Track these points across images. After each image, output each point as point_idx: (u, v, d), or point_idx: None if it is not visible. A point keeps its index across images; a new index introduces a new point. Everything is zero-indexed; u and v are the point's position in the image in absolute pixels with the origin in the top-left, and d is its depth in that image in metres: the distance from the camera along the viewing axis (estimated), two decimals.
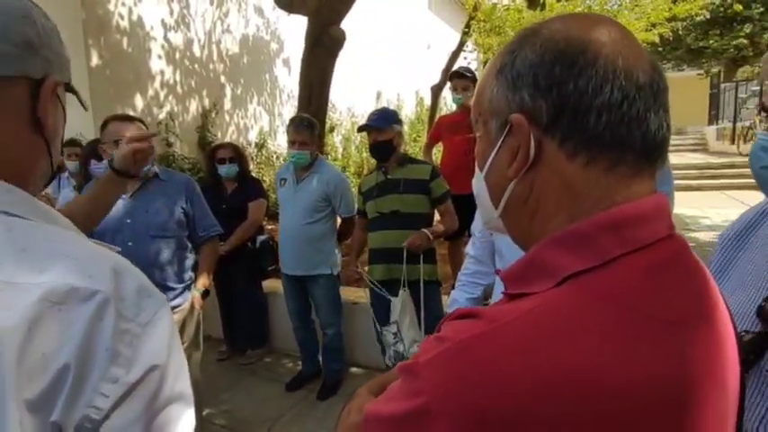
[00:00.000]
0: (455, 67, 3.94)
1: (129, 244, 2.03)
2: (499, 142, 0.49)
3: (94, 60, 4.72)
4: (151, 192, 2.10)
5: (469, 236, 3.39)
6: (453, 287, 1.77)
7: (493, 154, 0.50)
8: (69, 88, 0.63)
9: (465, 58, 8.02)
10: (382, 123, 2.48)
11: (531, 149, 0.45)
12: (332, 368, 3.03)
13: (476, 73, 3.42)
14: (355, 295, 3.39)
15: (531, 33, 0.48)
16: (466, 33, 6.72)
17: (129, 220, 2.04)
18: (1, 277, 0.42)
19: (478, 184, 0.55)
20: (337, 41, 3.70)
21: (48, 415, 0.40)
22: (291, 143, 2.76)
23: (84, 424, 0.41)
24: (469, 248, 1.72)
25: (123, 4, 4.98)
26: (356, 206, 2.88)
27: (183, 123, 5.72)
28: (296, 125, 2.76)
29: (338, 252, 2.97)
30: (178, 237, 2.16)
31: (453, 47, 8.18)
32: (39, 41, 0.53)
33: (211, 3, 6.08)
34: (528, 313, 0.39)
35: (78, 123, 4.80)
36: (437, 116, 5.60)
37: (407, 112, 11.37)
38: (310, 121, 2.83)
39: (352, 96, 8.71)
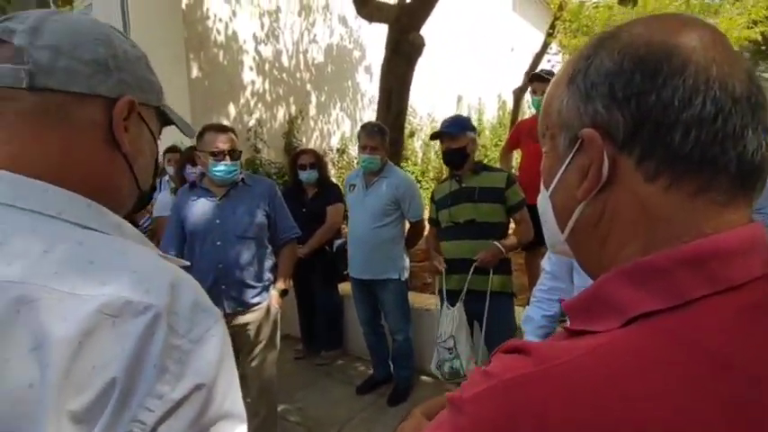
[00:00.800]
0: (537, 70, 3.78)
1: (218, 243, 2.19)
2: (568, 159, 0.44)
3: (194, 73, 5.16)
4: (238, 196, 2.25)
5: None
6: (529, 301, 1.68)
7: (560, 172, 0.45)
8: (162, 114, 0.66)
9: (549, 61, 7.66)
10: (455, 130, 2.43)
11: (605, 168, 0.40)
12: (401, 375, 3.02)
13: None
14: (427, 302, 3.35)
15: (608, 37, 0.43)
16: (550, 35, 6.40)
17: (218, 221, 2.20)
18: (65, 288, 0.43)
19: (544, 204, 0.50)
20: (417, 48, 3.71)
21: (91, 427, 0.40)
22: (363, 148, 2.81)
23: None
24: (545, 263, 1.61)
25: (220, 20, 5.40)
26: (425, 211, 2.86)
27: (271, 130, 6.06)
28: (367, 131, 2.80)
29: (406, 257, 2.96)
30: (260, 238, 2.29)
31: (538, 49, 7.87)
32: (113, 63, 0.55)
33: (299, 15, 6.39)
34: (593, 352, 0.35)
35: (178, 131, 5.27)
36: (518, 120, 5.38)
37: (489, 117, 11.11)
38: (381, 127, 2.87)
39: (432, 101, 8.68)
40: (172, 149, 4.44)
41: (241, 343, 2.30)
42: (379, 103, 3.91)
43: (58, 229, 0.48)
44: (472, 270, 2.35)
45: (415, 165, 8.17)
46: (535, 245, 3.13)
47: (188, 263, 0.63)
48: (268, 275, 2.35)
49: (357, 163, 7.08)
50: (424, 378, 3.19)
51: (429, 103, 8.69)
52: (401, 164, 6.79)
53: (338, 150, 7.14)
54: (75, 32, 0.53)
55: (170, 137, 5.12)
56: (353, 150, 7.29)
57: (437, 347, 2.45)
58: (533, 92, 3.23)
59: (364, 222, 2.85)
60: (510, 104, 10.29)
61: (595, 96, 0.41)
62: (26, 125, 0.51)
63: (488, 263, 2.34)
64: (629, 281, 0.38)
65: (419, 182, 7.98)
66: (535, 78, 3.22)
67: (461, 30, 9.41)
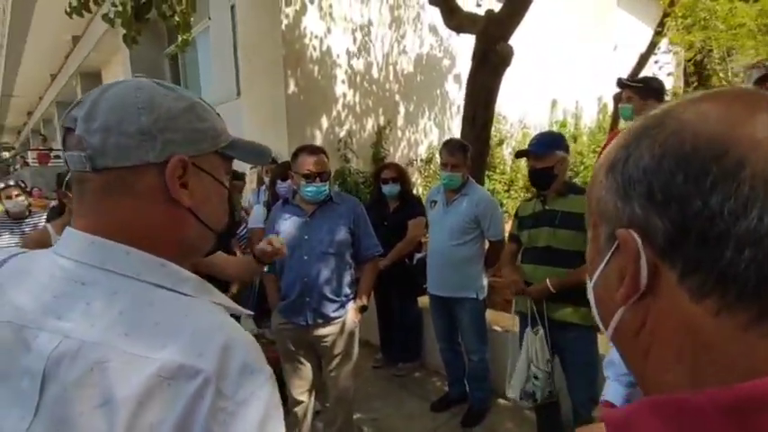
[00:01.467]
0: (642, 74, 3.43)
1: (305, 258, 2.33)
2: (607, 255, 0.39)
3: (291, 89, 5.51)
4: (325, 214, 2.38)
5: None
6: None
7: (601, 267, 0.41)
8: (223, 153, 0.68)
9: (656, 62, 6.92)
10: (541, 149, 2.30)
11: (642, 277, 0.35)
12: (477, 396, 2.96)
13: (651, 82, 2.90)
14: (507, 323, 3.23)
15: (652, 124, 0.38)
16: (659, 33, 5.79)
17: (306, 237, 2.34)
18: (132, 350, 0.50)
19: (589, 293, 0.47)
20: (504, 59, 3.61)
21: None
22: (444, 165, 2.81)
23: None
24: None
25: (316, 37, 5.70)
26: (505, 230, 2.77)
27: (360, 140, 6.26)
28: (449, 148, 2.79)
29: (485, 276, 2.89)
30: (343, 255, 2.39)
31: (645, 46, 7.19)
32: (157, 127, 0.59)
33: (390, 27, 6.53)
34: None
35: (275, 144, 5.65)
36: (615, 129, 4.92)
37: (587, 121, 10.42)
38: (462, 144, 2.85)
39: (523, 106, 8.35)
40: (271, 161, 4.79)
41: (321, 352, 2.43)
42: (465, 114, 3.87)
43: (135, 290, 0.55)
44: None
45: (503, 174, 7.91)
46: None
47: (251, 312, 0.68)
48: (348, 291, 2.44)
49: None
50: (500, 402, 3.09)
51: (520, 108, 8.37)
52: (488, 173, 6.63)
53: (425, 160, 7.16)
54: (120, 107, 0.59)
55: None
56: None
57: (529, 371, 2.33)
58: (626, 99, 2.94)
59: (443, 240, 2.84)
60: (611, 108, 9.56)
61: (633, 195, 0.36)
62: (97, 200, 0.60)
63: (539, 293, 2.26)
64: (664, 420, 0.33)
65: (507, 191, 7.72)
66: (618, 83, 2.91)
67: (558, 28, 8.93)
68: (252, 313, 0.64)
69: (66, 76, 15.25)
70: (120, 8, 4.09)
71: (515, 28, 3.62)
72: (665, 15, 5.88)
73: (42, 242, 2.42)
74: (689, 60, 7.28)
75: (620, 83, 2.88)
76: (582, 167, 8.85)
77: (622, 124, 5.27)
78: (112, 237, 0.58)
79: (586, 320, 2.22)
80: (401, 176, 3.56)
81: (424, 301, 3.69)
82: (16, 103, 23.50)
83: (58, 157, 17.64)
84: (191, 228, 0.64)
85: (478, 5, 5.00)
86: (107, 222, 0.59)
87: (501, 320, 3.30)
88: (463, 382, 3.08)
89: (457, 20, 4.05)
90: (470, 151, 2.85)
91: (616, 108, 6.21)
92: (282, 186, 3.15)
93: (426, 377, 3.64)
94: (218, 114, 0.70)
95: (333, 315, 2.37)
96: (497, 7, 4.84)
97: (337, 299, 2.38)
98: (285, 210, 2.45)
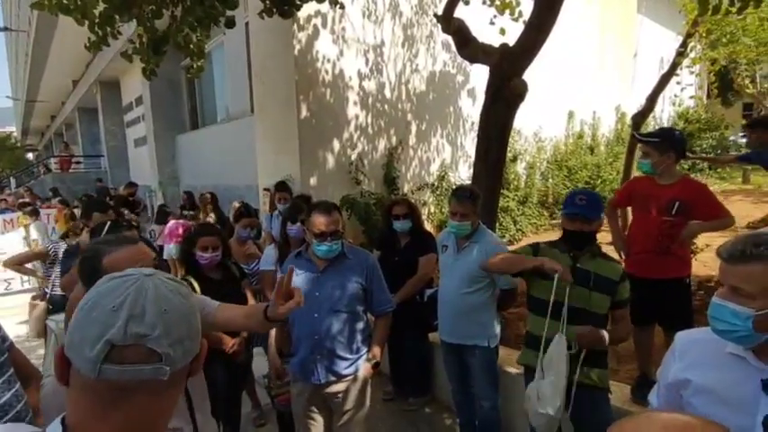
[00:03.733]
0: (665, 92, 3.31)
1: (315, 315, 2.32)
2: None
3: (303, 113, 5.53)
4: (337, 269, 2.36)
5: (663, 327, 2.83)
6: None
7: None
8: None
9: (678, 83, 6.76)
10: (593, 215, 2.21)
11: None
12: None
13: (669, 134, 2.83)
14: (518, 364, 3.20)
15: None
16: (681, 54, 5.65)
17: (317, 294, 2.32)
18: None
19: None
20: (518, 94, 3.56)
21: None
22: (453, 214, 2.78)
23: None
24: (652, 397, 1.45)
25: (328, 61, 5.70)
26: (517, 278, 2.73)
27: (372, 161, 6.26)
28: (458, 197, 2.76)
29: (497, 324, 2.86)
30: (355, 311, 2.38)
31: (668, 52, 6.97)
32: (197, 324, 0.75)
33: (402, 46, 6.50)
34: None
35: (288, 167, 5.68)
36: (633, 176, 4.56)
37: (604, 131, 10.26)
38: (472, 192, 2.80)
39: (538, 118, 8.23)
40: (281, 188, 4.83)
41: (333, 407, 2.43)
42: (477, 150, 3.83)
43: None
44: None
45: (518, 190, 7.83)
46: (648, 321, 2.82)
47: None
48: (361, 346, 2.42)
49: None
50: None
51: (535, 121, 8.27)
52: (501, 191, 6.55)
53: (438, 177, 7.12)
54: (183, 317, 0.71)
55: (278, 173, 5.43)
56: (453, 177, 7.22)
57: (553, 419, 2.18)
58: (643, 154, 2.83)
59: (453, 287, 2.83)
60: (630, 117, 9.39)
61: None
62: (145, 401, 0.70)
63: (586, 341, 2.15)
64: None
65: (521, 208, 7.64)
66: (634, 139, 2.77)
67: (575, 37, 8.77)
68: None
69: (87, 83, 15.61)
70: (137, 45, 4.15)
71: (530, 63, 3.57)
72: (689, 36, 5.73)
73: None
74: (713, 74, 7.13)
75: (637, 138, 2.77)
76: (599, 180, 8.71)
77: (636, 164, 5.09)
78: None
79: (602, 382, 2.22)
80: (412, 212, 3.55)
81: (434, 336, 3.69)
82: (40, 107, 24.11)
83: (78, 162, 18.07)
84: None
85: (492, 24, 4.94)
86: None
87: (512, 361, 3.26)
88: (474, 425, 3.07)
89: (470, 49, 4.01)
90: (480, 198, 2.82)
91: (637, 127, 6.04)
92: (292, 229, 3.17)
93: (437, 413, 3.63)
94: None
95: (345, 372, 2.36)
96: (511, 26, 4.80)
97: (350, 356, 2.37)
98: (298, 263, 2.43)
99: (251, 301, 2.97)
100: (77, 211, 7.15)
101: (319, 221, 2.27)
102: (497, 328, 2.87)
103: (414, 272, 3.50)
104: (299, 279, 2.38)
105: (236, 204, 4.50)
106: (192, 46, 4.56)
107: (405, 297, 3.47)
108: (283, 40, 5.46)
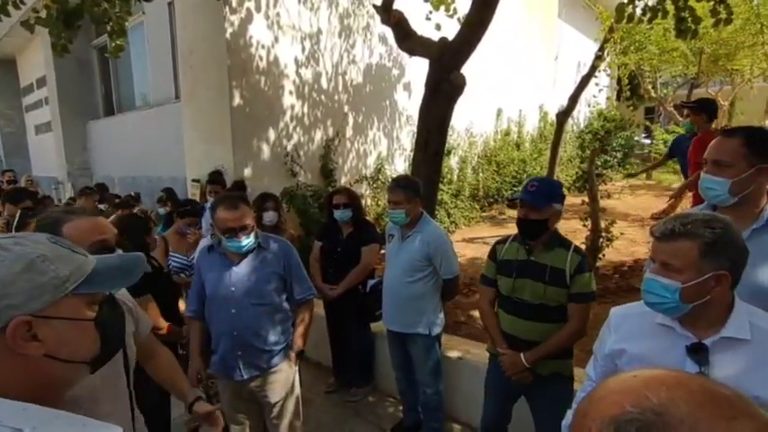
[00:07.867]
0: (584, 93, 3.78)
1: (233, 311, 2.22)
2: None
3: (236, 100, 5.28)
4: (252, 262, 2.26)
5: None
6: None
7: None
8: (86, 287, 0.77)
9: (596, 84, 7.35)
10: (540, 203, 2.11)
11: None
12: (431, 426, 3.01)
13: (703, 103, 3.86)
14: (461, 349, 3.31)
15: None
16: (599, 58, 6.14)
17: (233, 289, 2.23)
18: None
19: None
20: (458, 88, 3.65)
21: None
22: (388, 202, 2.81)
23: None
24: (589, 369, 1.55)
25: (263, 47, 5.49)
26: (458, 268, 2.81)
27: (308, 153, 6.13)
28: (391, 186, 2.81)
29: (440, 313, 2.92)
30: (276, 303, 2.31)
31: (585, 56, 7.56)
32: None
33: (339, 36, 6.42)
34: None
35: (219, 157, 5.42)
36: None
37: (529, 128, 10.85)
38: (407, 182, 2.83)
39: (469, 115, 8.51)
40: (213, 180, 4.60)
41: (261, 401, 2.36)
42: (417, 140, 3.88)
43: None
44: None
45: (451, 183, 8.06)
46: None
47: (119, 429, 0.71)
48: (283, 338, 2.35)
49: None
50: (454, 427, 3.17)
51: (466, 117, 8.54)
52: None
53: (375, 170, 7.14)
54: None
55: (211, 162, 5.20)
56: (389, 170, 7.28)
57: None
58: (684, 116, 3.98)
59: (396, 276, 2.85)
60: (552, 116, 10.02)
61: None
62: None
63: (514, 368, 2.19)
64: None
65: (454, 201, 7.88)
66: (680, 105, 4.22)
67: (502, 39, 9.17)
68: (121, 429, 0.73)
69: None
70: (42, 15, 3.71)
71: (469, 56, 3.66)
72: (605, 41, 6.24)
73: None
74: (625, 77, 7.95)
75: (681, 104, 4.14)
76: (525, 175, 9.20)
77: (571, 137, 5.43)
78: None
79: (564, 371, 2.21)
80: (353, 201, 3.53)
81: (377, 326, 3.71)
82: None
83: None
84: (54, 369, 0.74)
85: (428, 19, 5.01)
86: None
87: (453, 345, 3.36)
88: (417, 410, 3.12)
89: (410, 42, 4.04)
90: (418, 186, 2.84)
91: (560, 125, 6.47)
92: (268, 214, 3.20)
93: (380, 402, 3.65)
94: (73, 250, 0.78)
95: (269, 366, 2.29)
96: (446, 22, 4.91)
97: (274, 348, 2.30)
98: (211, 257, 2.31)
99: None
100: None
101: (225, 217, 2.14)
102: (440, 317, 2.92)
103: (356, 262, 3.49)
104: (213, 273, 2.28)
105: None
106: (110, 23, 4.17)
107: (347, 287, 3.45)
108: (214, 23, 5.17)
